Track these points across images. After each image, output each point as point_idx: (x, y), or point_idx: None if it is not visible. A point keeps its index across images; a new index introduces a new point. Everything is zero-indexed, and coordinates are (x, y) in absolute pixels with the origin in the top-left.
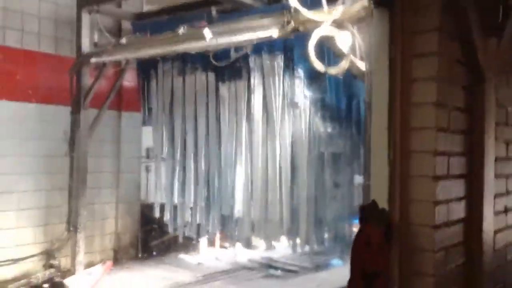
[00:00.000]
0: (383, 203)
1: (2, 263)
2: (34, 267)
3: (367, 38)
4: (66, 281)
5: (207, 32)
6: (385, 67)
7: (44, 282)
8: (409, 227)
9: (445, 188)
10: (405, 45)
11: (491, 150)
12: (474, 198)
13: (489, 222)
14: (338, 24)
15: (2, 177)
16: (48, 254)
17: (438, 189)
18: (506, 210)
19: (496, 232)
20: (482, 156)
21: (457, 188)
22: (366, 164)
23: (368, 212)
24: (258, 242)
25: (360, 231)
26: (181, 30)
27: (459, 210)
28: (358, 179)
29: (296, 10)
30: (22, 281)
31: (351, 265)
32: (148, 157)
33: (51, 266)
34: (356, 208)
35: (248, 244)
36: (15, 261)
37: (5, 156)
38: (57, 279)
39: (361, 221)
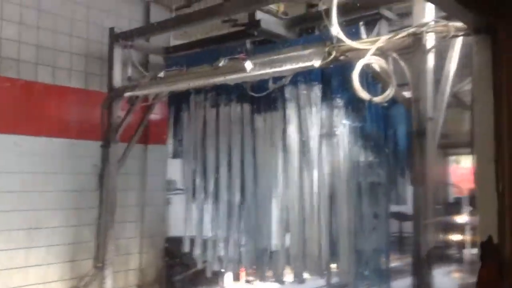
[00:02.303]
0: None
1: None
2: None
3: (411, 66)
4: None
5: (248, 64)
6: (489, 95)
7: None
8: None
9: None
10: (510, 72)
11: None
12: None
13: None
14: (382, 52)
15: (33, 213)
16: None
17: None
18: None
19: None
20: None
21: None
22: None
23: (485, 249)
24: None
25: (479, 268)
26: (222, 63)
27: None
28: (394, 209)
29: (338, 40)
30: None
31: None
32: (169, 189)
33: None
34: (392, 239)
35: (279, 280)
36: None
37: (36, 192)
38: None
39: (480, 258)
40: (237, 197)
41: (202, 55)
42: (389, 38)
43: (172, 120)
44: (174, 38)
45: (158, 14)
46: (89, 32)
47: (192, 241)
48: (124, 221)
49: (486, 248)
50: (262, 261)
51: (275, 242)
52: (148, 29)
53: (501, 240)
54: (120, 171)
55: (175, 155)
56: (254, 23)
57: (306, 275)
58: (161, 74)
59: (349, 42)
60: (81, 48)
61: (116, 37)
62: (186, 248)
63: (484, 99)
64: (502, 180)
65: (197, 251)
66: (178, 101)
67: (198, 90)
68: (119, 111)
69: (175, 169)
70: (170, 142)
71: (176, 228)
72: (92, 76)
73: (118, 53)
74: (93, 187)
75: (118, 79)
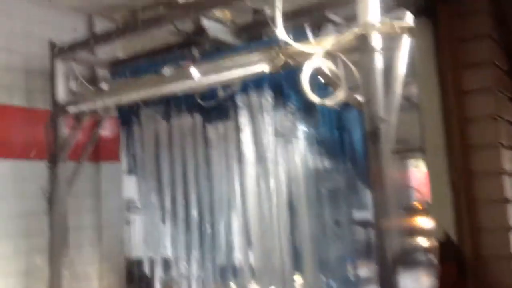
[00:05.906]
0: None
1: None
2: None
3: (359, 67)
4: None
5: (194, 71)
6: (433, 80)
7: None
8: (482, 260)
9: None
10: (454, 55)
11: None
12: None
13: None
14: (329, 54)
15: None
16: None
17: (510, 214)
18: None
19: None
20: None
21: None
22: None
23: (444, 249)
24: None
25: (439, 270)
26: (167, 71)
27: None
28: (357, 215)
29: (285, 44)
30: None
31: None
32: (128, 209)
33: None
34: (357, 246)
35: None
36: None
37: None
38: None
39: (440, 260)
40: (194, 212)
41: (148, 65)
42: (336, 40)
43: (124, 135)
44: (121, 51)
45: (102, 26)
46: (29, 46)
47: (152, 262)
48: (80, 245)
49: (445, 249)
50: (226, 278)
51: (238, 257)
52: (90, 41)
53: (460, 239)
54: (71, 191)
55: (130, 172)
56: (200, 31)
57: None
58: (104, 86)
59: (295, 45)
60: (21, 64)
61: (57, 51)
62: (147, 270)
63: (429, 83)
64: (454, 169)
65: (157, 273)
66: (127, 115)
67: (147, 103)
68: (64, 128)
69: (133, 187)
70: (123, 158)
71: (138, 250)
72: (35, 93)
73: (60, 67)
74: (43, 210)
75: (62, 95)
